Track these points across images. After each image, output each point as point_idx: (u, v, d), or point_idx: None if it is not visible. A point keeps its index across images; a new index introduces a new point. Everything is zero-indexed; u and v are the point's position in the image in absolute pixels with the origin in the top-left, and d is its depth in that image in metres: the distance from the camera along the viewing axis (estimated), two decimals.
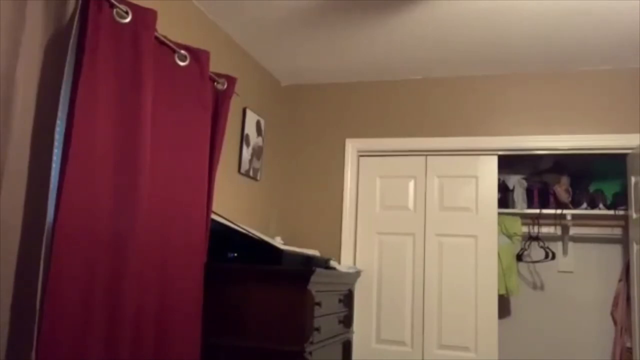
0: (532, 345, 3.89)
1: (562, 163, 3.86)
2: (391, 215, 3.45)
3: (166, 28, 2.23)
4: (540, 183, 3.89)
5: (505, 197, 3.85)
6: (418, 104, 3.48)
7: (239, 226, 2.57)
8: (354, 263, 3.44)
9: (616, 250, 3.83)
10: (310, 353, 2.31)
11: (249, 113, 3.15)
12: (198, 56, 2.34)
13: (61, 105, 1.68)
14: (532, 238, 3.85)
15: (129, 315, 1.87)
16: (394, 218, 3.44)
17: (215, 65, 2.55)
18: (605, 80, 3.20)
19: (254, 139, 3.22)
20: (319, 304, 2.44)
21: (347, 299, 3.08)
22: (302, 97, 3.70)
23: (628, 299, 3.36)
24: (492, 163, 3.34)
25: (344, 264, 3.33)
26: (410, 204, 3.43)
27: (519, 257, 3.86)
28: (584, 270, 3.89)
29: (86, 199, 1.73)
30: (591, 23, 2.67)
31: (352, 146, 3.55)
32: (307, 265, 2.47)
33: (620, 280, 3.62)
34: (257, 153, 3.26)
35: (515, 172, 3.91)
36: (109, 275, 1.81)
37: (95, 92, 1.77)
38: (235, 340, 2.34)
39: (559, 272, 3.93)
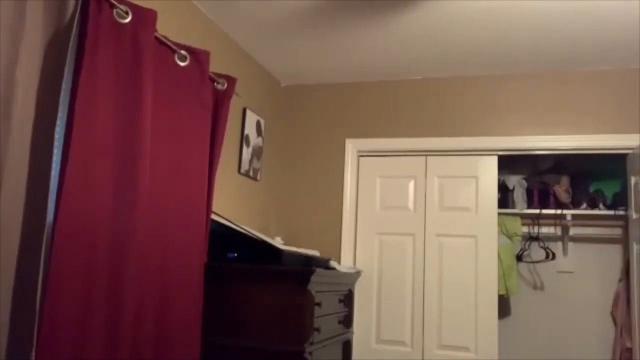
0: (532, 345, 3.89)
1: (562, 163, 3.86)
2: (391, 216, 3.45)
3: (166, 28, 2.23)
4: (540, 183, 3.89)
5: (505, 197, 3.85)
6: (418, 104, 3.48)
7: (239, 226, 2.57)
8: (354, 263, 3.44)
9: (616, 250, 3.82)
10: (310, 353, 2.31)
11: (249, 113, 3.15)
12: (198, 56, 2.34)
13: (61, 105, 1.68)
14: (532, 238, 3.85)
15: (129, 315, 1.87)
16: (394, 218, 3.44)
17: (215, 65, 2.55)
18: (605, 80, 3.20)
19: (254, 139, 3.22)
20: (319, 304, 2.44)
21: (347, 299, 3.08)
22: (302, 97, 3.70)
23: (628, 299, 3.36)
24: (492, 163, 3.34)
25: (344, 264, 3.33)
26: (410, 204, 3.43)
27: (519, 257, 3.86)
28: (584, 270, 3.88)
29: (86, 199, 1.73)
30: (591, 23, 2.67)
31: (352, 146, 3.55)
32: (307, 265, 2.47)
33: (620, 280, 3.62)
34: (257, 153, 3.26)
35: (515, 172, 3.91)
36: (108, 276, 1.81)
37: (95, 92, 1.77)
38: (235, 340, 2.34)
39: (559, 272, 3.93)
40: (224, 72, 2.60)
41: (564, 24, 2.69)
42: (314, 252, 2.96)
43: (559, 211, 3.74)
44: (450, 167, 3.40)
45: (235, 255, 2.48)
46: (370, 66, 3.35)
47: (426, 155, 3.45)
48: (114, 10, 1.87)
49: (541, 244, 3.85)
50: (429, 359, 3.23)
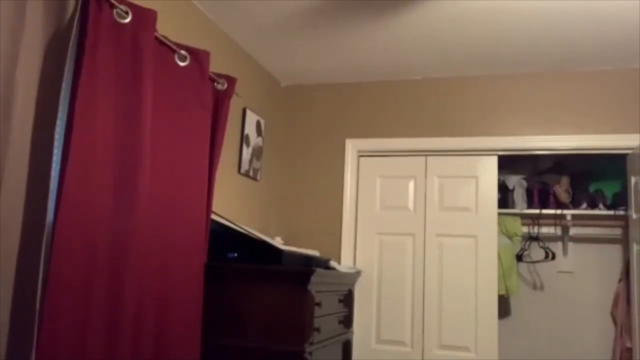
0: (532, 345, 3.89)
1: (562, 163, 3.86)
2: (391, 215, 3.45)
3: (166, 28, 2.23)
4: (540, 183, 3.89)
5: (505, 197, 3.85)
6: (418, 104, 3.48)
7: (239, 226, 2.57)
8: (354, 263, 3.44)
9: (616, 250, 3.82)
10: (310, 353, 2.31)
11: (249, 113, 3.15)
12: (198, 56, 2.34)
13: (61, 105, 1.68)
14: (532, 238, 3.85)
15: (129, 315, 1.87)
16: (394, 218, 3.44)
17: (215, 65, 2.54)
18: (605, 80, 3.20)
19: (254, 139, 3.22)
20: (319, 304, 2.44)
21: (347, 299, 3.08)
22: (302, 97, 3.70)
23: (628, 299, 3.36)
24: (492, 163, 3.34)
25: (344, 264, 3.33)
26: (410, 204, 3.43)
27: (519, 257, 3.86)
28: (584, 270, 3.89)
29: (86, 199, 1.73)
30: (591, 23, 2.67)
31: (352, 146, 3.55)
32: (307, 265, 2.47)
33: (620, 280, 3.62)
34: (257, 153, 3.26)
35: (515, 172, 3.91)
36: (108, 276, 1.81)
37: (95, 92, 1.77)
38: (235, 340, 2.34)
39: (559, 272, 3.93)
40: (224, 72, 2.60)
41: (564, 24, 2.69)
42: (314, 252, 2.96)
43: (559, 211, 3.74)
44: (450, 167, 3.40)
45: (235, 255, 2.48)
46: (370, 66, 3.35)
47: (426, 155, 3.45)
48: (114, 10, 1.87)
49: (541, 244, 3.85)
50: (429, 359, 3.23)
